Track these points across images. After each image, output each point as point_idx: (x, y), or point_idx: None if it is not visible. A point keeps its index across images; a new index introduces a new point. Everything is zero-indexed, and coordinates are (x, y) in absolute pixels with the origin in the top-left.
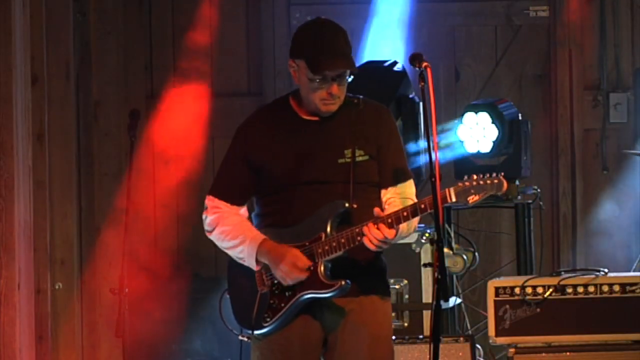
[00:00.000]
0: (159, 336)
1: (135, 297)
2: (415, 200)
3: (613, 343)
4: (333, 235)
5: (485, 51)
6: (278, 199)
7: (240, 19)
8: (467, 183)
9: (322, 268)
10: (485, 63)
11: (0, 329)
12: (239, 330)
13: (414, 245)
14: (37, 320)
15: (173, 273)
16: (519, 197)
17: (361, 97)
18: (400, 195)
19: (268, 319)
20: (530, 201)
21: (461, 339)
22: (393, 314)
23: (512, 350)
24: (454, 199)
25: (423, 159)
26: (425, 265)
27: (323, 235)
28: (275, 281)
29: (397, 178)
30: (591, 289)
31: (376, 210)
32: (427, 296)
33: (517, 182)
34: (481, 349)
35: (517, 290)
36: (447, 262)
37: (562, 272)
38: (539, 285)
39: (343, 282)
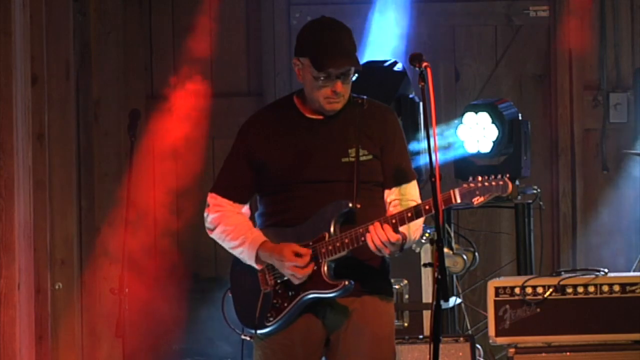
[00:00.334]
0: (159, 336)
1: (135, 297)
2: (418, 201)
3: (613, 343)
4: (337, 235)
5: (485, 51)
6: (281, 198)
7: (240, 19)
8: (472, 184)
9: (325, 268)
10: (485, 63)
11: (0, 329)
12: (240, 330)
13: (414, 245)
14: (37, 320)
15: (173, 273)
16: (519, 197)
17: (365, 97)
18: (403, 196)
19: (271, 319)
20: (530, 201)
21: (461, 339)
22: None
23: (512, 350)
24: (459, 200)
25: (423, 159)
26: (425, 265)
27: (327, 235)
28: (279, 281)
29: (401, 179)
30: (591, 289)
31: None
32: (427, 296)
33: (517, 182)
34: (481, 349)
35: (517, 290)
36: (447, 262)
37: (562, 272)
38: (539, 285)
39: (347, 283)
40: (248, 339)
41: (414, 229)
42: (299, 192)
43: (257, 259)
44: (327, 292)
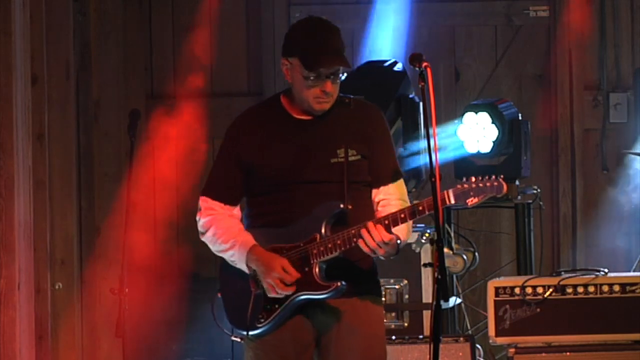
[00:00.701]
0: (159, 336)
1: (135, 297)
2: (407, 200)
3: (613, 343)
4: (328, 236)
5: (485, 51)
6: (270, 199)
7: (240, 19)
8: (465, 185)
9: (317, 269)
10: (485, 63)
11: (0, 329)
12: (231, 331)
13: (414, 245)
14: (37, 320)
15: (173, 273)
16: (519, 197)
17: (352, 96)
18: (392, 195)
19: (262, 320)
20: (530, 201)
21: (461, 339)
22: (393, 314)
23: (512, 350)
24: (453, 201)
25: (423, 159)
26: (425, 265)
27: (318, 236)
28: None
29: (388, 177)
30: (591, 289)
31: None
32: (427, 296)
33: (517, 182)
34: (481, 349)
35: (517, 290)
36: (447, 262)
37: (562, 272)
38: (539, 285)
39: (339, 284)
40: (239, 340)
41: (406, 230)
42: (288, 193)
43: (247, 263)
44: (320, 293)
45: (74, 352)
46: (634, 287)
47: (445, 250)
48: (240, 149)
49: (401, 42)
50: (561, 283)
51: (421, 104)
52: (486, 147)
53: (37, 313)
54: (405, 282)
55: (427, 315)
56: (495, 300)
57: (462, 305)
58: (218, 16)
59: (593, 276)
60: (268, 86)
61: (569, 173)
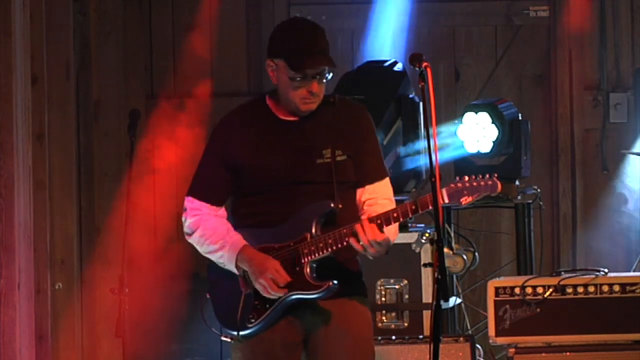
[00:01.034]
0: (159, 336)
1: (135, 297)
2: (393, 200)
3: (613, 343)
4: (319, 236)
5: (485, 51)
6: (258, 200)
7: (240, 19)
8: (459, 184)
9: (308, 269)
10: (485, 63)
11: (0, 329)
12: (220, 331)
13: (414, 245)
14: (37, 320)
15: (173, 273)
16: (519, 197)
17: (337, 95)
18: (377, 195)
19: (253, 320)
20: (530, 201)
21: (461, 339)
22: (393, 314)
23: (512, 350)
24: (446, 200)
25: (423, 159)
26: (425, 265)
27: (309, 236)
28: None
29: (373, 176)
30: (591, 289)
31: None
32: (427, 296)
33: (517, 182)
34: (481, 349)
35: (517, 290)
36: (447, 262)
37: (562, 272)
38: (539, 285)
39: (331, 283)
40: (229, 340)
41: (394, 230)
42: (275, 194)
43: (237, 264)
44: (311, 293)
45: (74, 352)
46: (634, 287)
47: (445, 250)
48: (225, 150)
49: (401, 42)
50: (561, 283)
51: (421, 104)
52: (486, 147)
53: (37, 313)
54: (405, 282)
55: (427, 315)
56: (495, 300)
57: (462, 305)
58: (218, 16)
59: (593, 276)
60: (268, 86)
61: (569, 173)
